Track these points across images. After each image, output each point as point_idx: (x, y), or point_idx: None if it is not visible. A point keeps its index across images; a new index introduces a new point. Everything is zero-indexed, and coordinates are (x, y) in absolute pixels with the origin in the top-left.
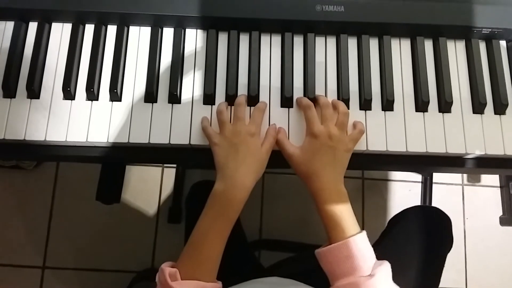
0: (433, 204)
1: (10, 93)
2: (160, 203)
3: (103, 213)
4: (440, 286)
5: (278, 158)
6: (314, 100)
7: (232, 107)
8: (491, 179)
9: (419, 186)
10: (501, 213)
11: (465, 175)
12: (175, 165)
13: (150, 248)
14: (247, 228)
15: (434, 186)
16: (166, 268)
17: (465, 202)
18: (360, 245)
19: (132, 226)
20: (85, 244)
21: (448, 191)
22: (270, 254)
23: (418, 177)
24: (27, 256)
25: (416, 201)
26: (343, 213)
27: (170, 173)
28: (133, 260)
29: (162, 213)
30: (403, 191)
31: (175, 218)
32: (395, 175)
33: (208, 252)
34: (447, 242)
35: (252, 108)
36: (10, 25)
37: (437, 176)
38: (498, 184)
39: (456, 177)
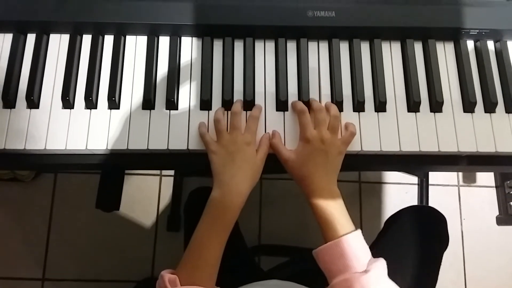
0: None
1: (10, 103)
2: (158, 211)
3: (102, 224)
4: (439, 287)
5: (275, 163)
6: (308, 103)
7: (229, 113)
8: (487, 179)
9: (415, 188)
10: (497, 213)
11: (460, 176)
12: (172, 174)
13: (150, 257)
14: (246, 234)
15: (430, 187)
16: (166, 275)
17: (461, 203)
18: (354, 243)
19: (131, 235)
20: (84, 255)
21: (444, 192)
22: (269, 259)
23: (414, 179)
24: (26, 268)
25: (413, 203)
26: (337, 212)
27: (168, 181)
28: (133, 270)
29: (161, 221)
30: (400, 194)
31: (174, 226)
32: (391, 178)
33: (206, 257)
34: (443, 240)
35: (248, 112)
36: (8, 37)
37: (433, 178)
38: (494, 184)
39: (451, 178)
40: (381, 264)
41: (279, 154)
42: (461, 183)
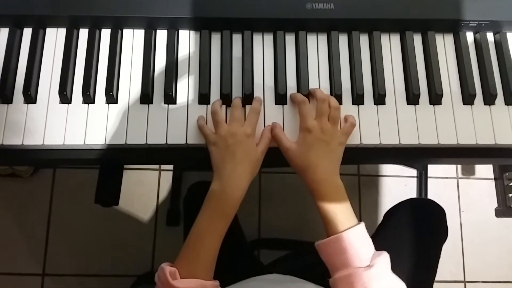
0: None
1: (6, 98)
2: (158, 206)
3: (101, 218)
4: (438, 279)
5: (274, 157)
6: (309, 95)
7: (227, 106)
8: (485, 172)
9: (414, 181)
10: (496, 205)
11: (459, 169)
12: (172, 168)
13: (150, 251)
14: (245, 228)
15: (429, 180)
16: (166, 267)
17: (460, 195)
18: (357, 237)
19: (130, 230)
20: (84, 250)
21: (443, 185)
22: (269, 253)
23: (413, 172)
24: (26, 264)
25: (412, 195)
26: (340, 206)
27: (167, 176)
28: (133, 264)
29: (161, 216)
30: (399, 186)
31: (173, 221)
32: (391, 170)
33: (206, 250)
34: (442, 232)
35: (247, 106)
36: (4, 31)
37: (431, 170)
38: (493, 176)
39: (450, 171)
40: (385, 258)
41: (281, 144)
42: (460, 175)
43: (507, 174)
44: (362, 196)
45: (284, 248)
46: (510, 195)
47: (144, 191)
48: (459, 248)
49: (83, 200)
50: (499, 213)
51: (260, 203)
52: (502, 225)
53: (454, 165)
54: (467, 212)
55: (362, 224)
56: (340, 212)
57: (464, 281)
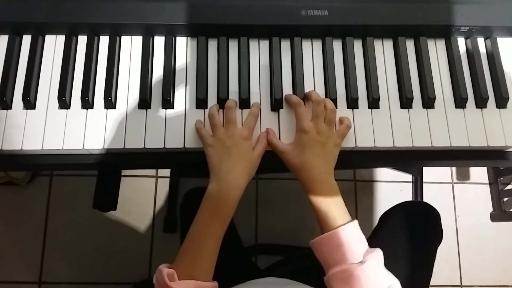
0: None
1: (6, 104)
2: (155, 213)
3: (98, 226)
4: (434, 283)
5: (271, 162)
6: (305, 97)
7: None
8: (480, 177)
9: (410, 186)
10: (491, 209)
11: (454, 174)
12: (168, 175)
13: (147, 258)
14: (242, 234)
15: (424, 185)
16: (164, 269)
17: (455, 200)
18: (350, 234)
19: (127, 237)
20: (81, 258)
21: (438, 189)
22: (266, 258)
23: (408, 177)
24: (23, 272)
25: None
26: (333, 203)
27: (163, 183)
28: (130, 272)
29: (157, 223)
30: (395, 192)
31: (170, 228)
32: (386, 176)
33: (204, 251)
34: (436, 234)
35: (243, 110)
36: (4, 38)
37: (427, 175)
38: (487, 181)
39: (445, 176)
40: (378, 255)
41: (276, 147)
42: (455, 180)
43: (501, 178)
44: (358, 201)
45: (281, 254)
46: (505, 199)
47: (141, 198)
48: (455, 252)
49: (79, 208)
50: (495, 217)
51: (257, 208)
52: (497, 229)
53: (449, 170)
54: (462, 216)
55: (355, 222)
56: (334, 210)
57: (461, 285)
